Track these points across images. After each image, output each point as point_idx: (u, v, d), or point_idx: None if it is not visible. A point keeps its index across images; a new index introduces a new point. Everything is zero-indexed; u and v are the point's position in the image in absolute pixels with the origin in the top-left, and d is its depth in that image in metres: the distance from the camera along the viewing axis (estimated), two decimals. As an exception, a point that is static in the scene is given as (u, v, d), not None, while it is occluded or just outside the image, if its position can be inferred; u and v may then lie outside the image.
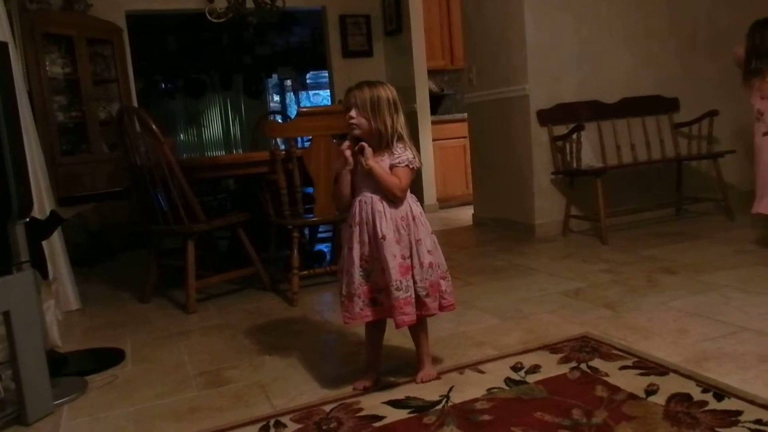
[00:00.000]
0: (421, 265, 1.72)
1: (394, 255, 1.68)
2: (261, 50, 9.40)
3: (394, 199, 1.72)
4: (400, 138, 1.73)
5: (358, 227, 1.73)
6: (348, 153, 1.71)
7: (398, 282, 1.68)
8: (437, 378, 1.83)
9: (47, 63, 4.43)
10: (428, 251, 1.74)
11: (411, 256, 1.71)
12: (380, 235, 1.69)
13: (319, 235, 4.17)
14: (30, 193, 1.93)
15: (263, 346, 2.29)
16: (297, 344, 2.28)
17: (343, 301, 1.75)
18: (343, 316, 1.75)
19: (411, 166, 1.73)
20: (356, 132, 1.71)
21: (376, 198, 1.72)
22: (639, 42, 4.11)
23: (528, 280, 2.94)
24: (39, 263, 2.17)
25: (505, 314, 2.42)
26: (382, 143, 1.72)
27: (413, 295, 1.71)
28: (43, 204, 2.71)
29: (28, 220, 1.89)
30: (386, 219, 1.70)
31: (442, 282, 1.78)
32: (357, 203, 1.75)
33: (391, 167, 1.71)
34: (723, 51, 4.35)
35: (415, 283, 1.71)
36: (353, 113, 1.70)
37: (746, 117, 4.41)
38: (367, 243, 1.72)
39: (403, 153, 1.72)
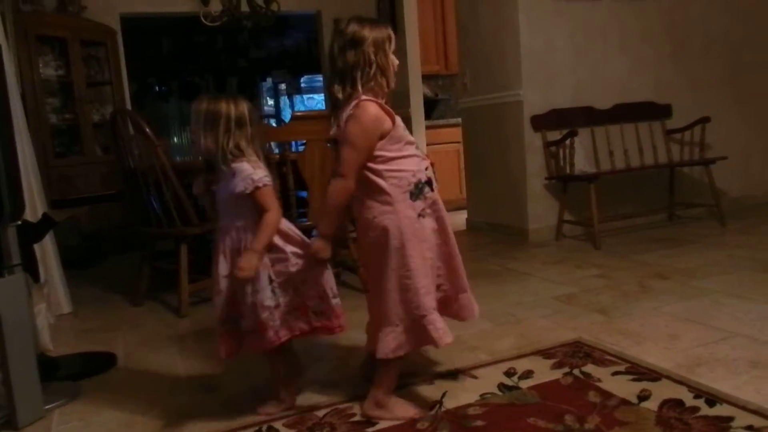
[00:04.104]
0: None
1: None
2: (255, 54, 9.40)
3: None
4: (238, 156, 1.60)
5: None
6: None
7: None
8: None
9: (40, 65, 4.41)
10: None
11: None
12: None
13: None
14: (22, 195, 1.92)
15: (256, 350, 2.28)
16: (290, 348, 2.27)
17: None
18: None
19: (261, 185, 1.58)
20: (195, 150, 1.66)
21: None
22: (633, 48, 4.13)
23: (521, 284, 2.94)
24: (30, 266, 2.16)
25: (499, 319, 2.43)
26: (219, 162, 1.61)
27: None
28: (35, 206, 2.69)
29: (19, 222, 1.88)
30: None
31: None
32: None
33: (239, 195, 1.58)
34: (716, 58, 4.40)
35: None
36: (193, 128, 1.62)
37: (738, 124, 4.46)
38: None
39: (246, 172, 1.58)
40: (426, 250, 1.61)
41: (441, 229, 1.66)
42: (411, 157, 1.61)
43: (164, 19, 6.28)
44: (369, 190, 1.60)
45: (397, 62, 1.63)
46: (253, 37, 8.72)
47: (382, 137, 1.57)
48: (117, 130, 2.89)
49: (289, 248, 1.62)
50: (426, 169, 1.64)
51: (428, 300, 1.60)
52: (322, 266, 1.64)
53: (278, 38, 9.02)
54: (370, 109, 1.55)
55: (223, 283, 1.61)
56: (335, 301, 1.68)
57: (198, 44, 8.79)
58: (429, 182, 1.63)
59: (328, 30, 5.80)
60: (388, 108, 1.59)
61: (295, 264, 1.62)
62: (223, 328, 1.65)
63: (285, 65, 9.62)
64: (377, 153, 1.57)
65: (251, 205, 1.60)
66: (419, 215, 1.60)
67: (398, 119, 1.62)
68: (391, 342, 1.60)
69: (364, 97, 1.56)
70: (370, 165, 1.58)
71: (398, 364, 1.66)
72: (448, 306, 1.74)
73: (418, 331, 1.60)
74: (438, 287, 1.68)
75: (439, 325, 1.60)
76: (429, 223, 1.63)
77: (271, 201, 1.60)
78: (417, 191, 1.60)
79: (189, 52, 8.87)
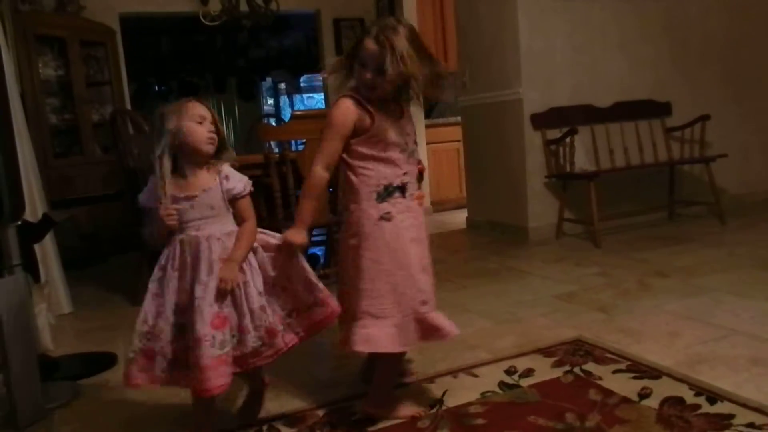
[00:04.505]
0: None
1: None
2: (255, 53, 9.40)
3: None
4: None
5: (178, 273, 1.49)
6: None
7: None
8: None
9: (40, 65, 4.40)
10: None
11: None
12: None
13: (313, 239, 4.17)
14: (22, 195, 1.92)
15: (257, 349, 2.28)
16: (290, 348, 2.27)
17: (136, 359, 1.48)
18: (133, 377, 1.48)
19: (252, 189, 1.55)
20: (211, 149, 1.51)
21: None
22: (632, 46, 4.13)
23: (521, 283, 2.94)
24: (31, 266, 2.16)
25: (499, 318, 2.43)
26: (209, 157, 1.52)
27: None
28: (35, 207, 2.69)
29: (19, 222, 1.88)
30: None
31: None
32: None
33: (233, 198, 1.53)
34: (715, 56, 4.39)
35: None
36: (210, 124, 1.52)
37: (737, 122, 4.46)
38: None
39: (239, 175, 1.54)
40: (381, 255, 1.56)
41: (411, 238, 1.60)
42: (390, 160, 1.59)
43: (163, 18, 6.28)
44: (345, 184, 1.63)
45: (361, 76, 1.55)
46: (252, 36, 8.72)
47: (358, 133, 1.57)
48: (117, 129, 2.89)
49: (266, 253, 1.58)
50: (404, 174, 1.60)
51: (366, 304, 1.56)
52: (293, 254, 1.57)
53: (277, 37, 9.01)
54: (342, 104, 1.58)
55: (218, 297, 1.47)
56: (321, 285, 1.60)
57: (197, 44, 8.79)
58: (401, 188, 1.60)
59: (327, 29, 5.80)
60: (371, 107, 1.57)
61: (273, 267, 1.57)
62: (219, 353, 1.44)
63: (284, 65, 9.61)
64: (354, 148, 1.58)
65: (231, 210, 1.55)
66: (381, 218, 1.57)
67: (384, 122, 1.57)
68: (344, 332, 1.62)
69: (346, 93, 1.59)
70: (346, 159, 1.60)
71: (394, 362, 1.66)
72: (425, 325, 1.61)
73: (350, 331, 1.58)
74: (401, 299, 1.58)
75: (364, 331, 1.55)
76: (390, 228, 1.58)
77: (251, 209, 1.57)
78: (385, 194, 1.58)
79: (188, 52, 8.87)
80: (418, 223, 1.62)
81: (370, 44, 1.52)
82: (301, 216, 1.59)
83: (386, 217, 1.58)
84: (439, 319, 1.61)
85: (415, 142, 1.66)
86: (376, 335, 1.55)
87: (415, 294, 1.58)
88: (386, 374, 1.67)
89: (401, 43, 1.50)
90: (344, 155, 1.60)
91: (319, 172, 1.58)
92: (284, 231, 1.58)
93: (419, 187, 1.65)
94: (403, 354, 1.68)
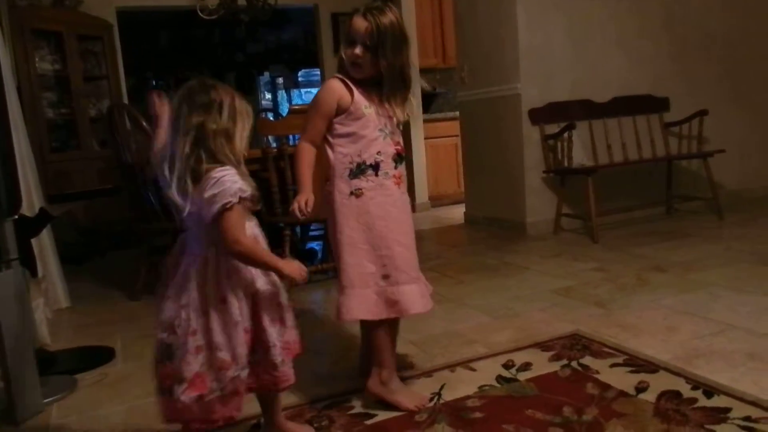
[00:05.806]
0: None
1: None
2: (253, 48, 9.37)
3: None
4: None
5: None
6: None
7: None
8: None
9: (37, 59, 4.39)
10: None
11: None
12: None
13: (311, 233, 4.17)
14: (19, 190, 1.91)
15: (254, 344, 2.28)
16: (288, 342, 2.28)
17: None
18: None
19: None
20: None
21: None
22: (631, 42, 4.12)
23: (519, 278, 2.95)
24: (28, 261, 2.16)
25: (497, 312, 2.43)
26: None
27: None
28: (32, 201, 2.68)
29: (16, 217, 1.88)
30: None
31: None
32: None
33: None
34: (714, 52, 4.39)
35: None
36: None
37: (735, 117, 4.47)
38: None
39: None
40: (349, 228, 1.64)
41: (380, 215, 1.64)
42: (365, 139, 1.64)
43: (161, 12, 6.25)
44: (326, 163, 1.69)
45: (349, 53, 1.61)
46: (250, 30, 8.69)
47: (341, 111, 1.63)
48: (114, 124, 2.88)
49: None
50: (377, 153, 1.65)
51: (342, 277, 1.64)
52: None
53: (275, 32, 8.99)
54: (327, 84, 1.66)
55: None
56: None
57: (195, 38, 8.76)
58: (374, 166, 1.65)
59: (325, 23, 5.78)
60: (353, 86, 1.63)
61: None
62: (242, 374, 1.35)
63: (282, 59, 9.58)
64: (335, 126, 1.65)
65: None
66: (351, 193, 1.64)
67: (362, 100, 1.63)
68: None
69: (335, 75, 1.67)
70: (327, 137, 1.66)
71: (383, 336, 1.67)
72: (384, 298, 1.64)
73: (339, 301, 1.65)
74: (363, 271, 1.64)
75: (346, 302, 1.62)
76: (358, 203, 1.64)
77: None
78: (357, 171, 1.65)
79: (186, 46, 8.84)
80: (391, 201, 1.66)
81: (358, 20, 1.59)
82: (300, 184, 1.66)
83: (356, 193, 1.65)
84: (402, 293, 1.63)
85: (398, 126, 1.70)
86: (346, 305, 1.63)
87: (379, 268, 1.64)
88: (382, 350, 1.68)
89: (387, 21, 1.58)
90: (327, 135, 1.66)
91: (303, 144, 1.66)
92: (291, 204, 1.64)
93: (396, 167, 1.68)
94: (394, 324, 1.70)
